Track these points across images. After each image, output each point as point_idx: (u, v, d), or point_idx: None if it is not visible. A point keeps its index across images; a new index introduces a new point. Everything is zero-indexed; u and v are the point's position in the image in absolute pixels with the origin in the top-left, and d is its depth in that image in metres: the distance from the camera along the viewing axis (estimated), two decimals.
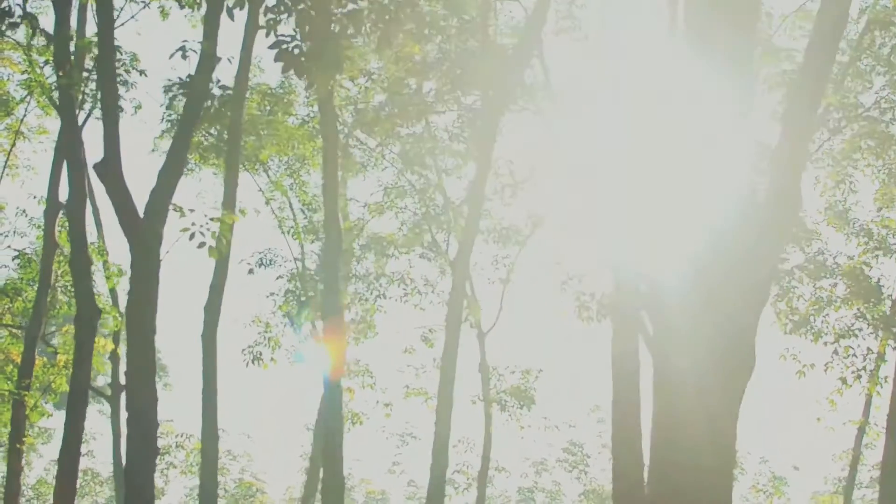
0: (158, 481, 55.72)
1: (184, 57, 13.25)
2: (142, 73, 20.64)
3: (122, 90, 21.53)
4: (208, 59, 13.23)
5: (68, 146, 20.59)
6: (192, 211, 13.05)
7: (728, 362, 11.37)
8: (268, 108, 29.90)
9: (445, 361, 23.88)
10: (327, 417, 19.11)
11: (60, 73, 20.19)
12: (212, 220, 13.03)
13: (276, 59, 14.69)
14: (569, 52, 30.21)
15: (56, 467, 55.75)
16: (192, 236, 12.97)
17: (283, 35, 15.14)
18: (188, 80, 13.43)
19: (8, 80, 31.72)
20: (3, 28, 11.13)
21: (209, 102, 13.62)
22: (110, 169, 12.79)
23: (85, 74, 22.27)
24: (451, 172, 31.81)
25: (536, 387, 33.65)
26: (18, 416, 26.60)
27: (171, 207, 12.96)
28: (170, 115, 31.46)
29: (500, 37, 28.91)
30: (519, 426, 34.25)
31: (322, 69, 14.66)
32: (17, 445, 26.34)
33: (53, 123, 34.91)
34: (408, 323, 45.25)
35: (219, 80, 14.19)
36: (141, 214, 12.85)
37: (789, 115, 12.33)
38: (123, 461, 35.91)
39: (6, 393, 29.28)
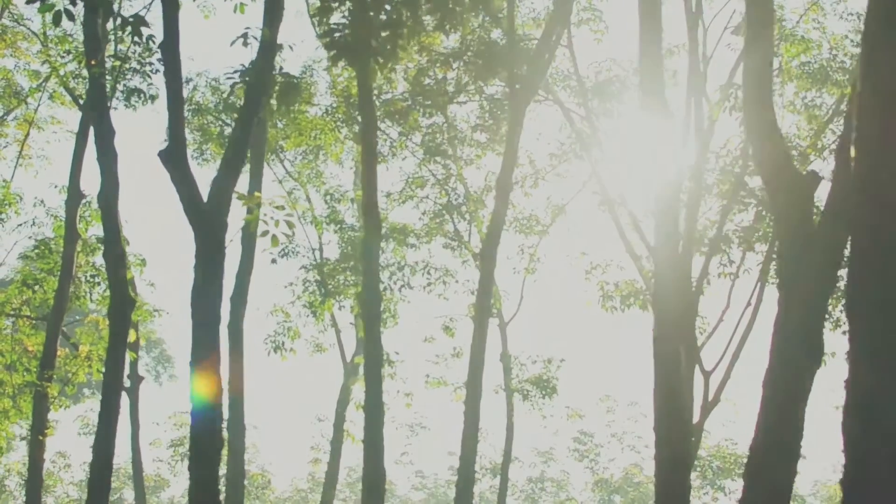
0: (167, 473, 55.80)
1: (245, 44, 13.11)
2: None
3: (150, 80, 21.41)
4: (269, 46, 13.06)
5: (99, 135, 20.44)
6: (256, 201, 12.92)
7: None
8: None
9: (474, 351, 23.80)
10: (368, 409, 18.94)
11: (93, 62, 20.09)
12: (277, 208, 12.92)
13: (327, 48, 14.53)
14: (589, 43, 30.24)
15: (61, 459, 55.81)
16: (255, 225, 12.86)
17: (334, 24, 14.97)
18: (249, 68, 13.28)
19: (25, 70, 31.59)
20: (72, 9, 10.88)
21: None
22: (176, 156, 12.64)
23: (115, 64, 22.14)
24: (470, 162, 31.67)
25: (558, 376, 33.63)
26: (41, 407, 26.49)
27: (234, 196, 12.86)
28: (190, 105, 31.39)
29: (521, 27, 28.82)
30: (541, 416, 34.26)
31: (374, 58, 14.50)
32: (39, 437, 26.23)
33: (66, 114, 34.84)
34: (426, 312, 45.26)
35: (281, 68, 14.07)
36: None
37: None
38: (142, 454, 35.95)
39: (22, 383, 29.23)
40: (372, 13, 13.72)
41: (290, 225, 12.96)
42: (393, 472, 71.75)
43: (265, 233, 12.78)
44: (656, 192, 17.15)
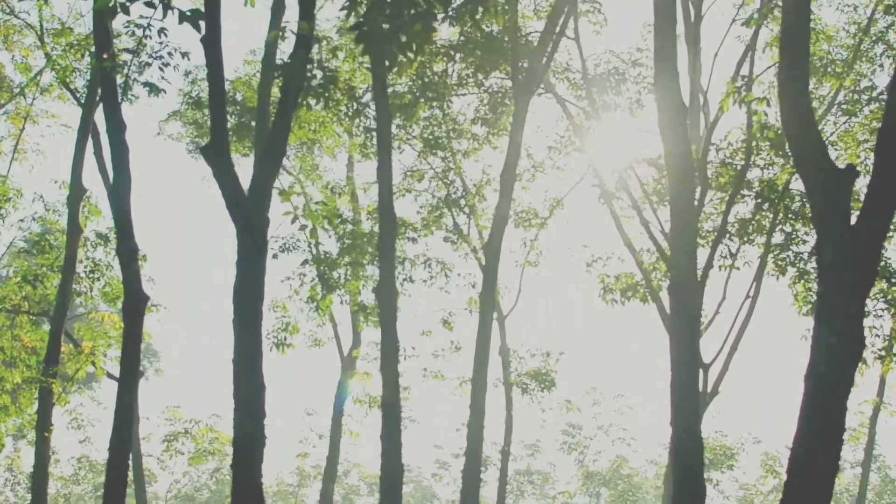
0: (155, 468, 55.48)
1: (282, 38, 13.09)
2: (185, 55, 20.37)
3: (162, 73, 21.19)
4: (305, 39, 13.00)
5: (110, 130, 20.31)
6: (298, 195, 12.90)
7: None
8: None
9: (479, 344, 23.86)
10: (385, 404, 18.98)
11: (104, 56, 19.98)
12: (316, 203, 12.90)
13: (357, 41, 14.47)
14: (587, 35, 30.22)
15: (55, 455, 55.42)
16: (294, 219, 12.81)
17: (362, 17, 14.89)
18: (286, 62, 13.21)
19: (19, 64, 31.32)
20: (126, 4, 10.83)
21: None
22: (218, 152, 12.57)
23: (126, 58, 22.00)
24: (468, 155, 31.67)
25: (557, 369, 33.75)
26: (46, 403, 26.36)
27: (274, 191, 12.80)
28: (189, 98, 31.26)
29: (520, 19, 28.83)
30: (540, 409, 34.40)
31: (404, 50, 14.45)
32: (45, 434, 26.10)
33: (61, 108, 34.62)
34: (423, 306, 45.19)
35: (320, 61, 14.01)
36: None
37: None
38: (142, 449, 35.68)
39: (22, 380, 29.06)
40: (402, 7, 13.61)
41: (331, 220, 12.97)
42: (378, 465, 71.71)
43: (304, 227, 12.74)
44: (671, 186, 17.24)
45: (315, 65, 13.61)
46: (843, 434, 11.70)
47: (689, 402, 16.62)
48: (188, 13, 10.71)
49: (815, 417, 11.61)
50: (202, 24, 11.30)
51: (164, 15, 10.67)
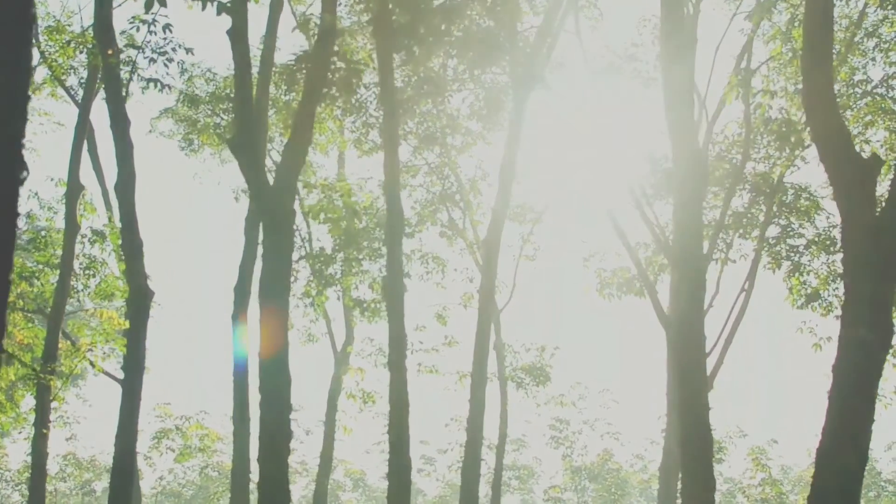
0: (141, 464, 55.19)
1: (303, 32, 13.05)
2: (188, 50, 20.33)
3: (167, 68, 21.12)
4: (329, 31, 12.97)
5: (115, 126, 20.28)
6: (322, 189, 12.90)
7: None
8: (284, 87, 29.47)
9: (479, 338, 23.92)
10: (392, 400, 18.95)
11: (110, 52, 19.95)
12: (341, 197, 12.88)
13: (373, 34, 14.48)
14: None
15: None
16: (318, 213, 12.82)
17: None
18: (307, 53, 13.19)
19: None
20: None
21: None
22: (245, 145, 12.54)
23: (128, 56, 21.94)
24: (462, 150, 31.65)
25: (552, 364, 33.84)
26: (43, 400, 26.21)
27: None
28: (184, 95, 31.10)
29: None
30: (535, 404, 34.52)
31: (421, 43, 14.47)
32: (43, 431, 25.96)
33: (53, 105, 34.35)
34: (417, 301, 45.04)
35: (344, 54, 13.99)
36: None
37: None
38: (133, 447, 35.45)
39: (17, 377, 28.87)
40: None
41: (356, 213, 12.93)
42: (365, 461, 71.68)
43: (327, 219, 12.76)
44: (678, 177, 17.32)
45: (337, 58, 13.59)
46: (872, 424, 11.74)
47: (697, 391, 16.71)
48: (227, 3, 10.69)
49: (845, 408, 11.66)
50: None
51: (204, 7, 10.65)
